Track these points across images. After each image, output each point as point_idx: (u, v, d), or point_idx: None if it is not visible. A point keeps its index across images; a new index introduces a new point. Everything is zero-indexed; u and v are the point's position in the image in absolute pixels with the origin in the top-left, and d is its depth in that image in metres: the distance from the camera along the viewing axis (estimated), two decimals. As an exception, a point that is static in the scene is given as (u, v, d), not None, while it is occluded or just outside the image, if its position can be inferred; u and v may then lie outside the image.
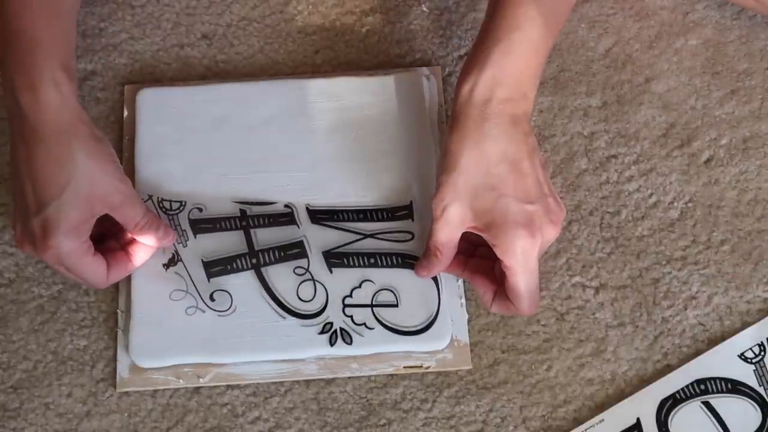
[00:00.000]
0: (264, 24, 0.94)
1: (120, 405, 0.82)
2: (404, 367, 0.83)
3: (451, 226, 0.77)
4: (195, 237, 0.85)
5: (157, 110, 0.89)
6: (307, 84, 0.90)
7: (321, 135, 0.88)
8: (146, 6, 0.95)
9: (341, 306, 0.83)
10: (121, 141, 0.89)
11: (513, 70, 0.76)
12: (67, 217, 0.75)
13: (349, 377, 0.83)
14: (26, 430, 0.82)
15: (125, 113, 0.90)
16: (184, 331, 0.82)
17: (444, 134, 0.80)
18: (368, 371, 0.83)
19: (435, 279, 0.83)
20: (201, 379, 0.82)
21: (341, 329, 0.82)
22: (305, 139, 0.88)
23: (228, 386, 0.83)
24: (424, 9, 0.94)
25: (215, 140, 0.88)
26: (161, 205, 0.86)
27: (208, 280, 0.83)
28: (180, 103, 0.89)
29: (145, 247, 0.82)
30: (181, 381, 0.82)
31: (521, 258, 0.75)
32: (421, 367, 0.83)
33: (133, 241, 0.82)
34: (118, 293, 0.85)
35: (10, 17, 0.77)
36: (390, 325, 0.82)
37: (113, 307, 0.85)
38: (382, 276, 0.84)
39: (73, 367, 0.83)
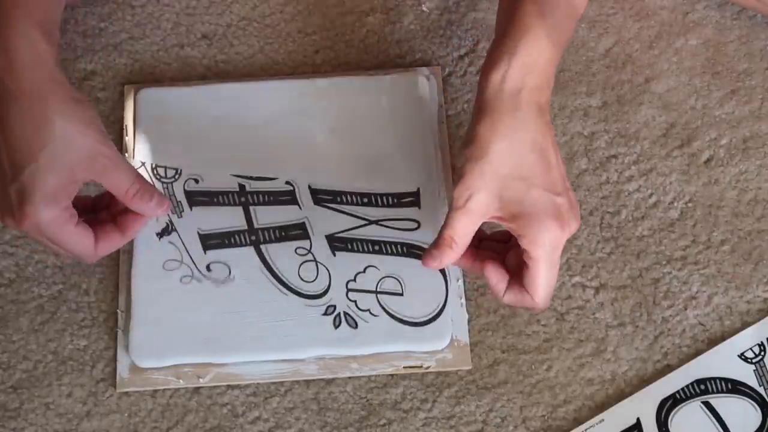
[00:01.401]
0: (264, 24, 0.94)
1: (120, 405, 0.82)
2: (404, 367, 0.83)
3: (472, 215, 0.74)
4: (191, 209, 0.84)
5: (157, 110, 0.89)
6: (307, 84, 0.90)
7: (321, 135, 0.88)
8: (146, 6, 0.95)
9: (345, 290, 0.82)
10: (121, 141, 0.89)
11: (542, 58, 0.75)
12: (43, 183, 0.72)
13: (349, 377, 0.83)
14: (26, 430, 0.82)
15: (125, 113, 0.90)
16: (184, 330, 0.82)
17: (469, 124, 0.78)
18: (368, 371, 0.83)
19: (443, 271, 0.83)
20: (201, 379, 0.82)
21: (345, 313, 0.82)
22: (305, 139, 0.88)
23: (228, 386, 0.83)
24: (424, 9, 0.94)
25: (215, 140, 0.88)
26: (155, 172, 0.84)
27: (204, 252, 0.82)
28: (180, 103, 0.89)
29: (136, 217, 0.78)
30: (181, 381, 0.82)
31: (549, 250, 0.73)
32: (421, 367, 0.83)
33: (124, 211, 0.79)
34: (118, 293, 0.85)
35: None
36: (395, 314, 0.82)
37: (113, 307, 0.85)
38: (387, 264, 0.83)
39: (73, 367, 0.83)
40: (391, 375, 0.83)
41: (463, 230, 0.75)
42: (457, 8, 0.94)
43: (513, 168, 0.73)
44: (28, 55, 0.73)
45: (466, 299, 0.85)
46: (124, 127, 0.90)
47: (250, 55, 0.93)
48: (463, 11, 0.94)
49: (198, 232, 0.83)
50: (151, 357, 0.82)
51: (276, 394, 0.83)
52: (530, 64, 0.74)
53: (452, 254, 0.76)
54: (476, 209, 0.74)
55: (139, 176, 0.77)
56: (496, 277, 0.77)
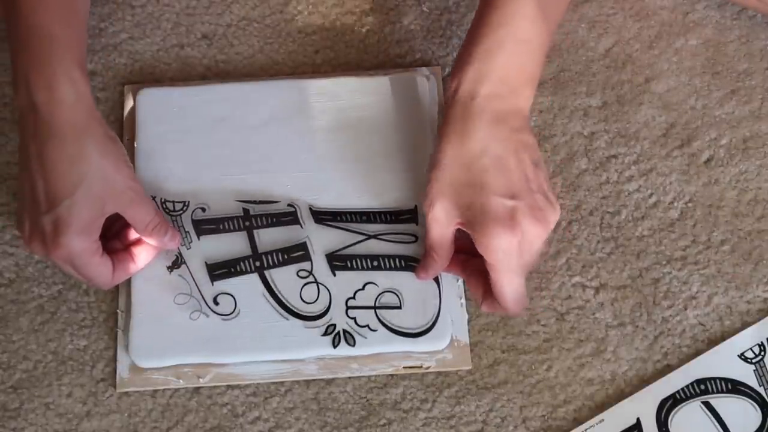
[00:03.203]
0: (264, 24, 0.94)
1: (120, 405, 0.82)
2: (404, 368, 0.83)
3: (439, 224, 0.77)
4: (199, 239, 0.85)
5: (157, 110, 0.89)
6: (307, 84, 0.90)
7: (321, 135, 0.88)
8: (146, 6, 0.95)
9: (344, 308, 0.83)
10: (121, 141, 0.89)
11: (497, 66, 0.76)
12: (79, 216, 0.75)
13: (349, 377, 0.83)
14: (26, 430, 0.82)
15: (125, 113, 0.90)
16: (184, 331, 0.82)
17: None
18: (368, 371, 0.83)
19: (436, 280, 0.83)
20: (201, 379, 0.82)
21: (344, 331, 0.82)
22: (305, 139, 0.88)
23: (228, 386, 0.83)
24: (424, 9, 0.94)
25: (215, 140, 0.88)
26: (164, 206, 0.86)
27: (212, 283, 0.83)
28: (180, 103, 0.89)
29: (149, 248, 0.82)
30: (181, 381, 0.82)
31: (502, 256, 0.74)
32: (421, 367, 0.83)
33: (137, 241, 0.82)
34: (118, 293, 0.85)
35: (25, 14, 0.77)
36: (393, 327, 0.82)
37: (113, 307, 0.85)
38: (386, 278, 0.83)
39: (73, 367, 0.83)
40: (391, 375, 0.83)
41: (437, 238, 0.78)
42: (457, 8, 0.94)
43: (463, 175, 0.75)
44: (70, 92, 0.76)
45: (466, 299, 0.84)
46: (124, 127, 0.90)
47: (250, 55, 0.93)
48: (463, 11, 0.94)
49: (205, 263, 0.84)
50: (150, 357, 0.82)
51: (276, 394, 0.83)
52: (483, 72, 0.76)
53: (435, 264, 0.80)
54: (439, 217, 0.76)
55: (158, 211, 0.81)
56: (473, 286, 0.80)
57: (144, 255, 0.82)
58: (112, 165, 0.77)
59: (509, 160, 0.75)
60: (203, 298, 0.83)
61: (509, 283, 0.76)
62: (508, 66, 0.76)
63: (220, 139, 0.88)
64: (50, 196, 0.75)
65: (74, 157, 0.75)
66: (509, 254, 0.74)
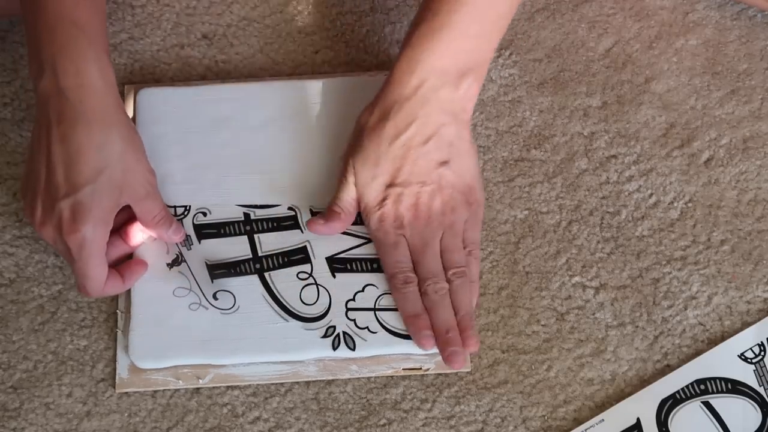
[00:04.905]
0: (264, 24, 0.94)
1: (120, 405, 0.82)
2: (403, 369, 0.83)
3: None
4: (200, 242, 0.85)
5: (157, 110, 0.89)
6: (307, 84, 0.90)
7: (321, 135, 0.88)
8: (146, 6, 0.95)
9: (344, 309, 0.83)
10: (121, 141, 0.89)
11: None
12: (99, 203, 0.75)
13: (349, 378, 0.83)
14: (26, 430, 0.82)
15: (125, 113, 0.90)
16: (183, 332, 0.82)
17: None
18: (367, 373, 0.82)
19: None
20: (200, 380, 0.82)
21: (344, 333, 0.82)
22: (305, 139, 0.88)
23: (228, 386, 0.83)
24: (424, 9, 0.94)
25: (215, 140, 0.88)
26: None
27: (212, 281, 0.83)
28: (180, 103, 0.89)
29: (136, 267, 0.82)
30: (180, 382, 0.82)
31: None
32: (420, 369, 0.83)
33: (126, 263, 0.82)
34: (118, 294, 0.85)
35: (50, 2, 0.77)
36: (393, 329, 0.82)
37: (113, 307, 0.85)
38: (385, 280, 0.83)
39: (73, 367, 0.83)
40: (391, 375, 0.83)
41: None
42: (457, 8, 0.94)
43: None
44: (99, 80, 0.76)
45: (466, 299, 0.85)
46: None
47: (250, 55, 0.93)
48: (463, 11, 0.94)
49: (206, 263, 0.84)
50: (149, 358, 0.82)
51: (276, 394, 0.83)
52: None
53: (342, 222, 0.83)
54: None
55: (165, 205, 0.82)
56: None
57: (132, 272, 0.82)
58: (133, 155, 0.78)
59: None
60: (202, 292, 0.83)
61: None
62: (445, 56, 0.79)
63: (220, 139, 0.88)
64: (71, 181, 0.75)
65: (99, 144, 0.76)
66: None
